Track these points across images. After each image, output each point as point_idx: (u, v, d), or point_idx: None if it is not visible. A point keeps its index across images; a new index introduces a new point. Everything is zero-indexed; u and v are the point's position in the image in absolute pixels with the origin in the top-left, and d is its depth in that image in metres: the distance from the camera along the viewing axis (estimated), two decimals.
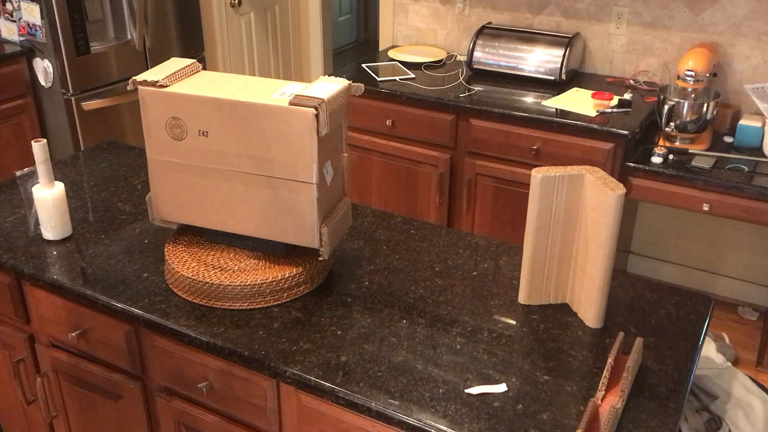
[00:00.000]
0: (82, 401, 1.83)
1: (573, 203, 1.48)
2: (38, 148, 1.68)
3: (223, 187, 1.55)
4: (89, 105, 3.49)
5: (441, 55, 3.47)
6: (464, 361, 1.40)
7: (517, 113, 2.81)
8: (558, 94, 2.98)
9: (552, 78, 3.07)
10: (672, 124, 2.71)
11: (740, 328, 3.09)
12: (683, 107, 2.67)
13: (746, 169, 2.58)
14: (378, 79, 3.17)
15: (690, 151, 2.68)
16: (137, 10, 3.55)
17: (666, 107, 2.71)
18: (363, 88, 1.57)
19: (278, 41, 4.75)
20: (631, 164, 2.65)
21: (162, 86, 1.51)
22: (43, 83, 3.48)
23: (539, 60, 3.10)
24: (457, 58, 3.47)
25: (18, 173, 1.85)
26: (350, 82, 1.54)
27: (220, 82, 1.56)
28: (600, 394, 1.29)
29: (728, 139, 2.81)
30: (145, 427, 1.74)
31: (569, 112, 2.80)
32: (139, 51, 3.68)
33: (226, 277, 1.54)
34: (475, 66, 3.22)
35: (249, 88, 1.52)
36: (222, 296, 1.54)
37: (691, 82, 2.70)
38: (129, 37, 3.62)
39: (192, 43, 4.02)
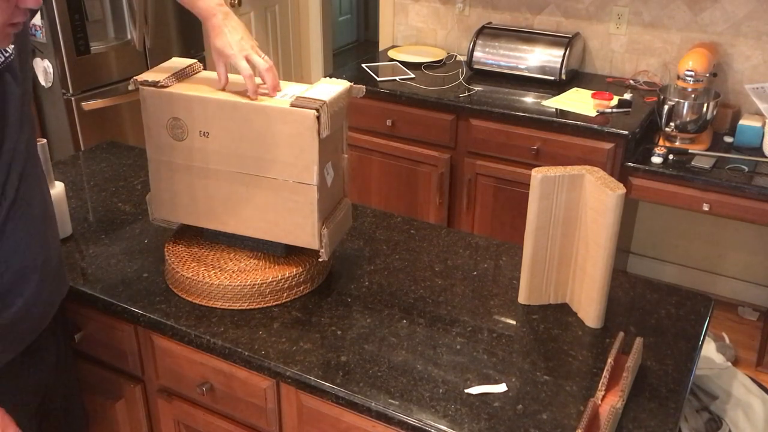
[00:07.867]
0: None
1: (573, 203, 1.48)
2: (38, 148, 1.68)
3: (223, 187, 1.55)
4: (89, 105, 3.49)
5: (441, 55, 3.47)
6: (464, 361, 1.40)
7: (517, 113, 2.81)
8: (558, 94, 2.98)
9: (552, 78, 3.07)
10: (672, 124, 2.71)
11: (740, 328, 3.09)
12: (683, 107, 2.68)
13: (746, 169, 2.58)
14: (378, 79, 3.17)
15: (690, 151, 2.68)
16: (137, 10, 3.55)
17: (666, 107, 2.71)
18: (364, 91, 1.57)
19: (278, 41, 4.75)
20: (631, 164, 2.65)
21: (163, 86, 1.51)
22: (43, 83, 3.48)
23: (539, 60, 3.10)
24: (457, 58, 3.47)
25: None
26: (351, 84, 1.54)
27: None
28: (600, 394, 1.29)
29: (728, 139, 2.81)
30: (145, 427, 1.73)
31: (569, 112, 2.80)
32: (139, 51, 3.68)
33: (226, 277, 1.54)
34: (475, 66, 3.22)
35: None
36: (222, 296, 1.54)
37: (691, 82, 2.70)
38: (129, 37, 3.62)
39: (192, 43, 4.01)
